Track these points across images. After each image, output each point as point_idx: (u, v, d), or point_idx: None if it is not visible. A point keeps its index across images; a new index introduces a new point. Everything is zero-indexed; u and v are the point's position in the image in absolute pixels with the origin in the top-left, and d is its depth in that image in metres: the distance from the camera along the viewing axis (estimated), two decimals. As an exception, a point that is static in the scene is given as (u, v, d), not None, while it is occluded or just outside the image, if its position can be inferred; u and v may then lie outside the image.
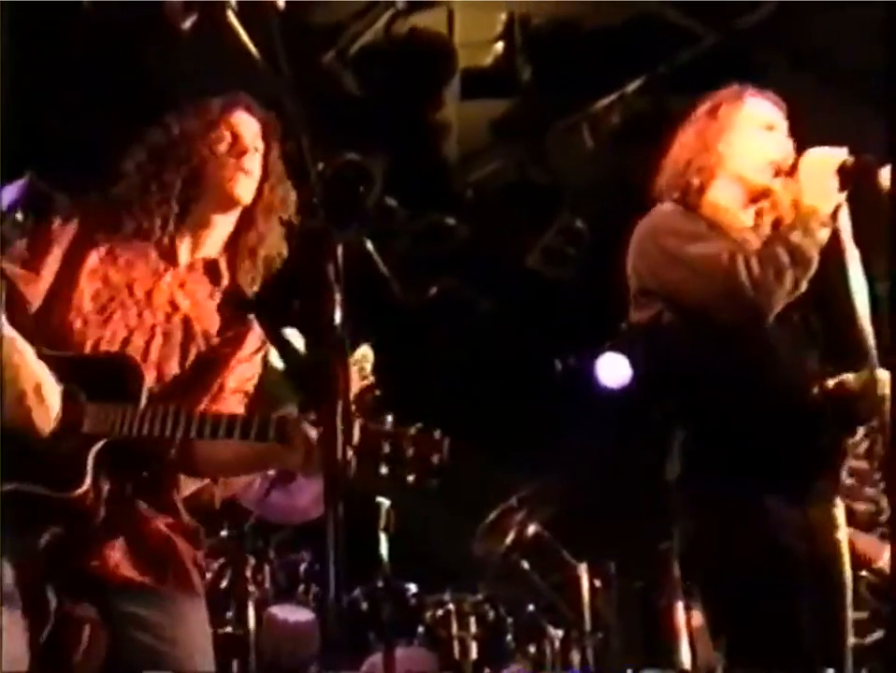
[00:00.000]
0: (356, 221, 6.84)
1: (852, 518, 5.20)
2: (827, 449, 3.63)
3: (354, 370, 3.76)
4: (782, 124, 3.74)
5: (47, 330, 3.23)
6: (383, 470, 2.96)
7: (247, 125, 3.47)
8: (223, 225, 3.49)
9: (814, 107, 6.57)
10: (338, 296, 2.36)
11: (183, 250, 3.46)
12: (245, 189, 3.43)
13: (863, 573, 5.21)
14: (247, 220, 3.49)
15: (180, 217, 3.41)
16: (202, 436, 3.12)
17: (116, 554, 3.18)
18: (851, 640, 3.54)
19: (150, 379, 3.24)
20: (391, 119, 6.65)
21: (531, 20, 6.60)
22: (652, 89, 6.89)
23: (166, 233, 3.40)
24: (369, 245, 7.03)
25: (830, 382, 3.63)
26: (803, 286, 3.44)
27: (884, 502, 5.30)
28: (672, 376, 3.61)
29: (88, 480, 3.08)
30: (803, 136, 3.69)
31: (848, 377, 3.59)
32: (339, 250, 2.39)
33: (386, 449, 2.97)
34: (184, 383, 3.35)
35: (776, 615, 3.35)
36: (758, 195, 3.70)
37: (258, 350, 3.52)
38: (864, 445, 5.34)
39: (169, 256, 3.44)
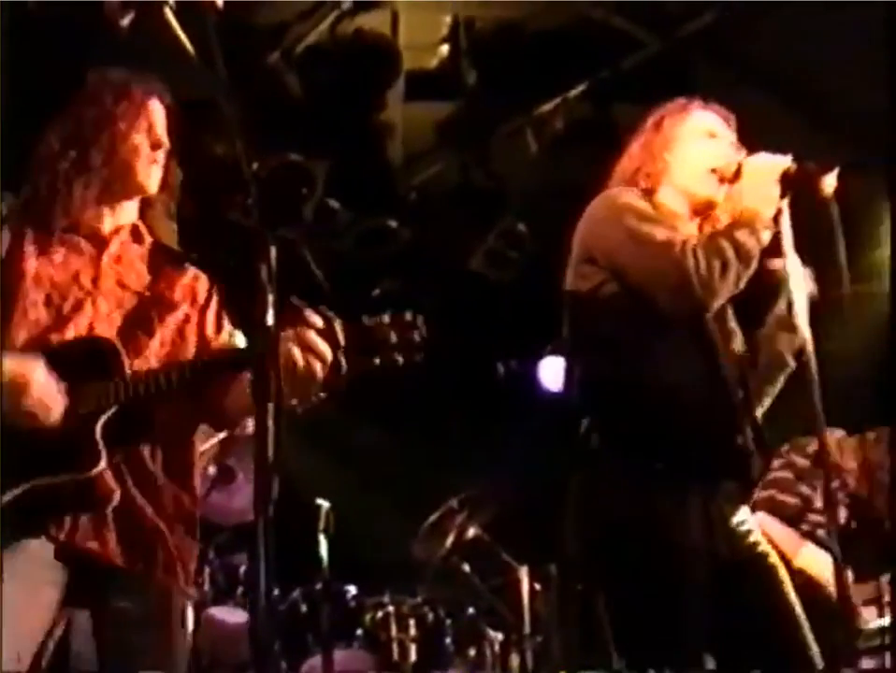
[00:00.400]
0: (297, 222, 6.78)
1: (777, 508, 5.22)
2: (744, 450, 3.57)
3: None
4: (727, 134, 3.77)
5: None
6: (377, 361, 3.11)
7: (160, 114, 3.49)
8: (130, 207, 3.53)
9: (756, 115, 6.65)
10: (270, 297, 2.32)
11: (106, 225, 3.47)
12: (155, 179, 3.47)
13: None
14: (147, 205, 3.54)
15: (99, 199, 3.44)
16: (183, 380, 3.16)
17: (112, 539, 3.20)
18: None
19: (129, 360, 3.25)
20: (335, 120, 6.59)
21: (476, 23, 6.57)
22: (595, 94, 6.87)
23: (93, 215, 3.44)
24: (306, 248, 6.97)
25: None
26: (743, 284, 3.46)
27: (817, 503, 5.30)
28: (598, 353, 3.57)
29: (104, 456, 3.11)
30: (751, 147, 3.71)
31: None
32: (273, 251, 2.34)
33: (373, 340, 3.12)
34: (160, 351, 3.37)
35: (681, 618, 3.32)
36: (702, 207, 3.72)
37: (211, 291, 3.55)
38: (812, 446, 5.36)
39: (97, 239, 3.44)
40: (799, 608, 3.51)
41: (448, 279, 7.78)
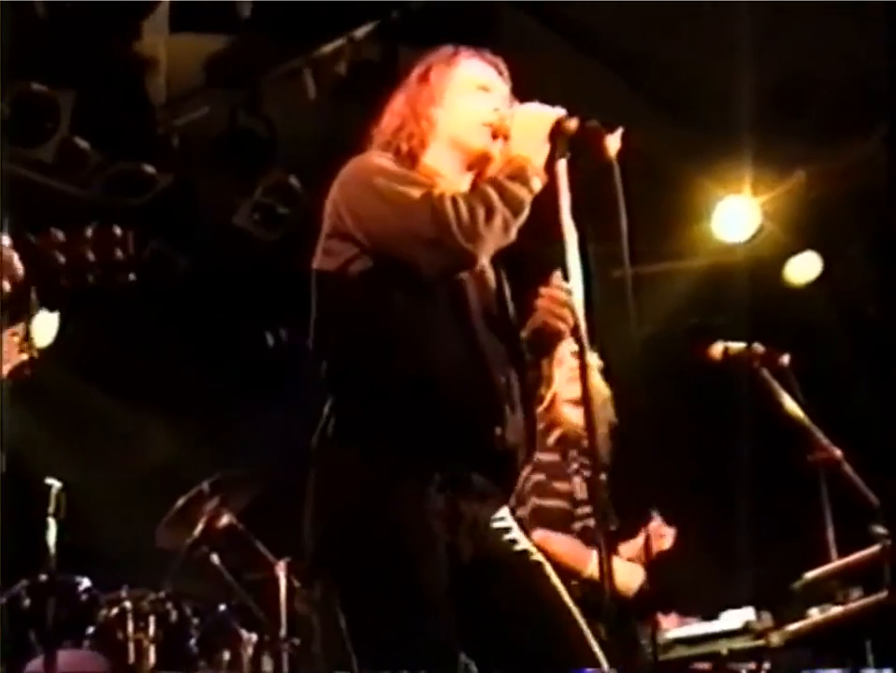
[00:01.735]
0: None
1: (544, 516, 5.24)
2: (503, 442, 3.51)
3: (13, 340, 3.70)
4: (500, 86, 3.76)
5: None
6: (64, 282, 3.02)
7: None
8: None
9: (559, 67, 6.66)
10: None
11: None
12: None
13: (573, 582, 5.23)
14: None
15: None
16: None
17: None
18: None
19: None
20: (84, 47, 6.33)
21: (252, -52, 6.42)
22: (383, 35, 6.82)
23: None
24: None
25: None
26: (513, 234, 3.45)
27: (581, 494, 5.33)
28: (344, 335, 3.51)
29: None
30: (528, 98, 3.68)
31: None
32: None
33: (62, 259, 3.01)
34: None
35: (420, 621, 3.29)
36: (476, 160, 3.69)
37: None
38: (555, 434, 5.40)
39: None
40: (571, 604, 3.52)
41: (209, 236, 7.61)
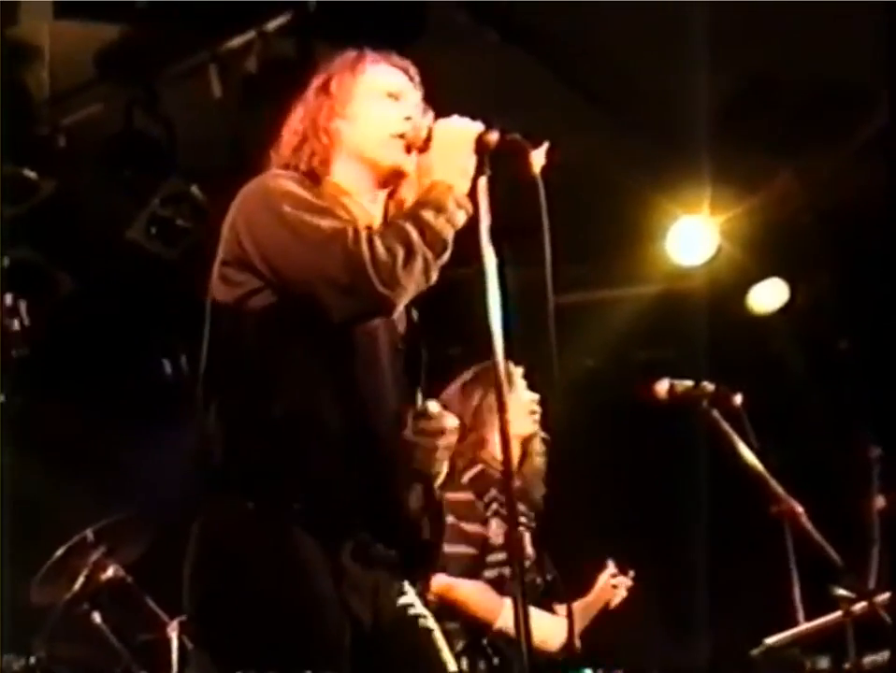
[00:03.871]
0: None
1: (450, 563, 5.26)
2: (406, 508, 3.56)
3: None
4: (411, 92, 3.76)
5: None
6: None
7: None
8: None
9: (491, 68, 6.65)
10: None
11: None
12: None
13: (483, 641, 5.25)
14: None
15: None
16: None
17: None
18: None
19: None
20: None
21: (149, -74, 6.42)
22: (298, 29, 6.78)
23: None
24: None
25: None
26: (434, 276, 3.43)
27: (497, 539, 5.34)
28: (239, 375, 3.47)
29: None
30: (458, 102, 3.64)
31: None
32: None
33: None
34: None
35: None
36: (389, 176, 3.70)
37: None
38: (472, 472, 5.40)
39: None
40: None
41: (98, 251, 7.62)
